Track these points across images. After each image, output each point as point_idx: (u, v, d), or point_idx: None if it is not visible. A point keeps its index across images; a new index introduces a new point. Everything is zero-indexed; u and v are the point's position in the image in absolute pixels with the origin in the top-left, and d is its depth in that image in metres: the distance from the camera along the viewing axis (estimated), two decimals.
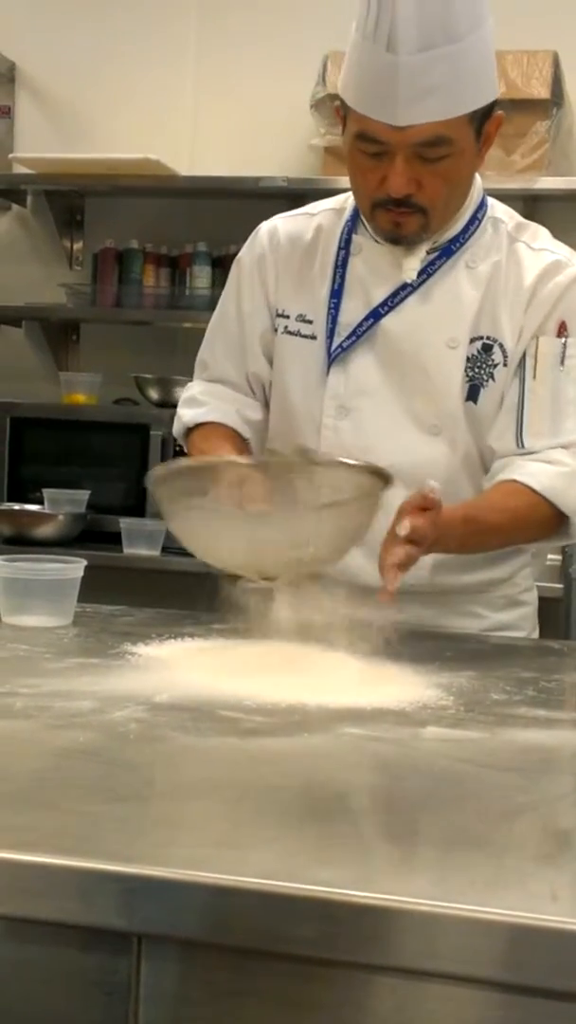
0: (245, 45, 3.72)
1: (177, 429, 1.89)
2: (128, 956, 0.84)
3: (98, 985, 0.85)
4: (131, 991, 0.84)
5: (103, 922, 0.83)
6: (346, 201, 1.80)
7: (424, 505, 1.51)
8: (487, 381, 1.72)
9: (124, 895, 0.82)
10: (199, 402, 1.85)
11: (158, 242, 3.77)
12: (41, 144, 3.79)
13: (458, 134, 1.60)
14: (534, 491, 1.65)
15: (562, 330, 1.72)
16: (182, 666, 1.42)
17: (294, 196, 3.07)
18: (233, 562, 1.49)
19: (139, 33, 3.79)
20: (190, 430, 1.85)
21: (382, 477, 1.50)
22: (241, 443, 1.81)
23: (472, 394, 1.73)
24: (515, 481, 1.67)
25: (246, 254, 1.85)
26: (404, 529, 1.48)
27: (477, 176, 1.75)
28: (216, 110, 3.76)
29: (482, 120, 1.63)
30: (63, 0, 3.84)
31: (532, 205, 3.35)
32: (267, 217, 1.89)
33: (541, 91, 3.32)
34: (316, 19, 3.52)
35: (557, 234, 1.81)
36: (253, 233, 1.86)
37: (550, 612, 2.70)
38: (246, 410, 1.84)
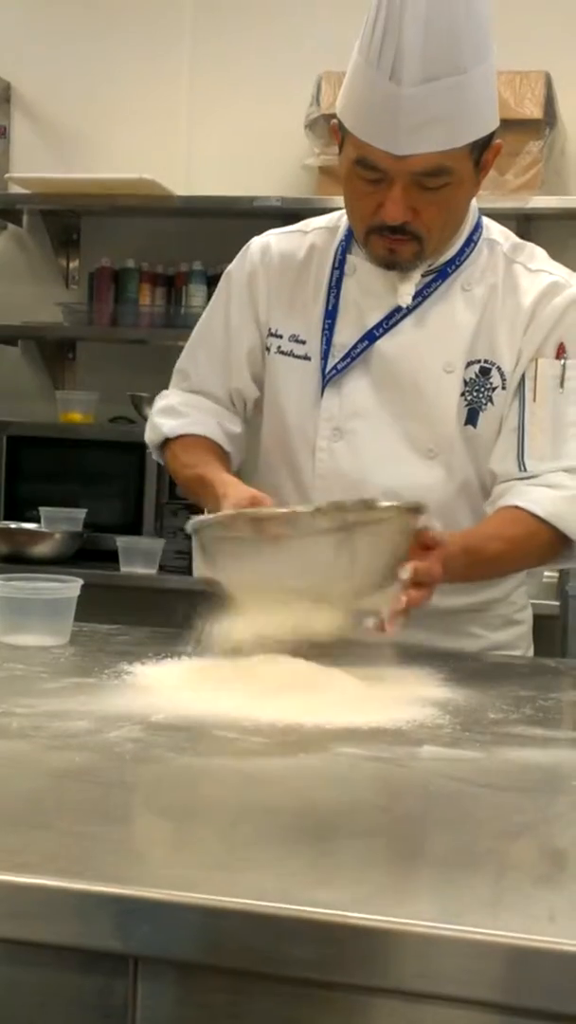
0: (240, 65, 3.74)
1: (152, 438, 1.86)
2: (124, 978, 0.83)
3: (94, 1008, 0.84)
4: (128, 1013, 0.84)
5: (99, 944, 0.83)
6: (339, 220, 1.79)
7: (427, 543, 1.50)
8: (486, 405, 1.72)
9: (120, 917, 0.82)
10: (179, 412, 1.83)
11: (154, 261, 3.77)
12: (37, 164, 3.80)
13: (458, 164, 1.59)
14: (537, 517, 1.64)
15: (561, 352, 1.70)
16: (179, 686, 1.41)
17: (288, 216, 3.08)
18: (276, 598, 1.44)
19: (134, 54, 3.81)
20: (168, 440, 1.83)
21: (416, 510, 1.47)
22: (223, 456, 1.80)
23: (471, 418, 1.72)
24: (517, 507, 1.65)
25: (236, 268, 1.84)
26: (407, 573, 1.46)
27: (473, 199, 1.74)
28: (211, 130, 3.78)
29: (482, 150, 1.62)
30: (59, 21, 3.86)
31: (526, 224, 3.36)
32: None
33: (534, 111, 3.33)
34: (311, 40, 3.54)
35: (551, 253, 1.81)
36: (244, 248, 1.84)
37: (547, 630, 2.69)
38: (227, 423, 1.83)
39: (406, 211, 1.60)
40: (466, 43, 1.53)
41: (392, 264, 1.68)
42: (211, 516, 1.51)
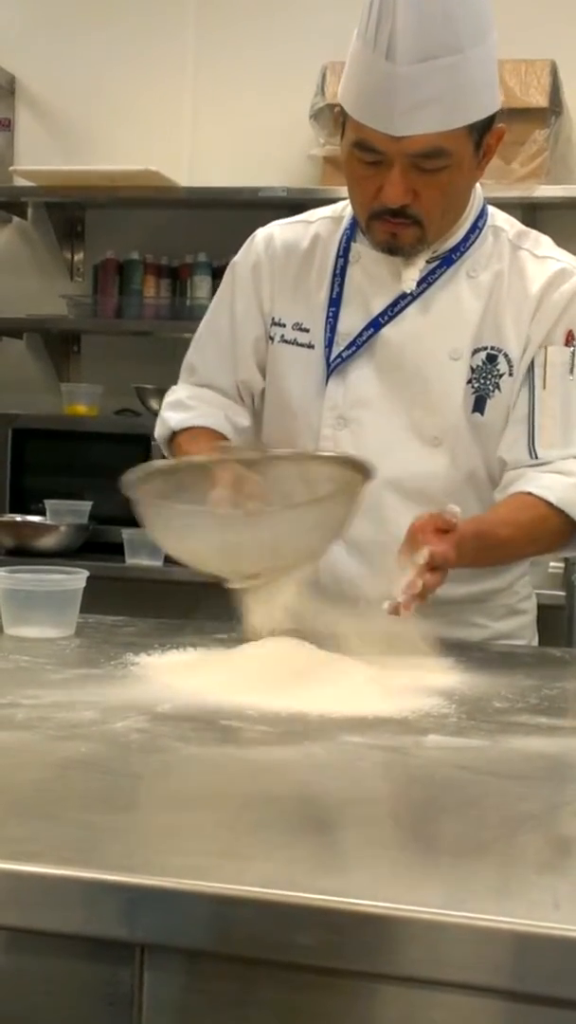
0: (243, 56, 3.73)
1: (161, 432, 1.86)
2: (131, 966, 0.84)
3: (101, 996, 0.85)
4: (134, 1001, 0.84)
5: (105, 932, 0.83)
6: (344, 209, 1.79)
7: (442, 527, 1.50)
8: (493, 392, 1.71)
9: (126, 905, 0.82)
10: (186, 406, 1.83)
11: (158, 253, 3.77)
12: (41, 156, 3.80)
13: (456, 146, 1.58)
14: (549, 504, 1.64)
15: (570, 339, 1.70)
16: (184, 676, 1.42)
17: (294, 206, 3.06)
18: (210, 563, 1.47)
19: (138, 45, 3.80)
20: (176, 433, 1.83)
21: (360, 469, 1.48)
22: None
23: (478, 405, 1.72)
24: (529, 494, 1.65)
25: (241, 260, 1.84)
26: (423, 558, 1.46)
27: (477, 185, 1.74)
28: (215, 121, 3.77)
29: (482, 132, 1.61)
30: (62, 14, 3.85)
31: (531, 213, 3.35)
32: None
33: (539, 100, 3.33)
34: (314, 30, 3.53)
35: (557, 242, 1.80)
36: (249, 239, 1.85)
37: (552, 620, 2.70)
38: (235, 416, 1.83)
39: (405, 193, 1.60)
40: (462, 23, 1.53)
41: (395, 249, 1.68)
42: (138, 471, 1.51)
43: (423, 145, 1.57)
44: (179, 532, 1.47)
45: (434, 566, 1.48)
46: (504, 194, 3.20)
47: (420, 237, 1.66)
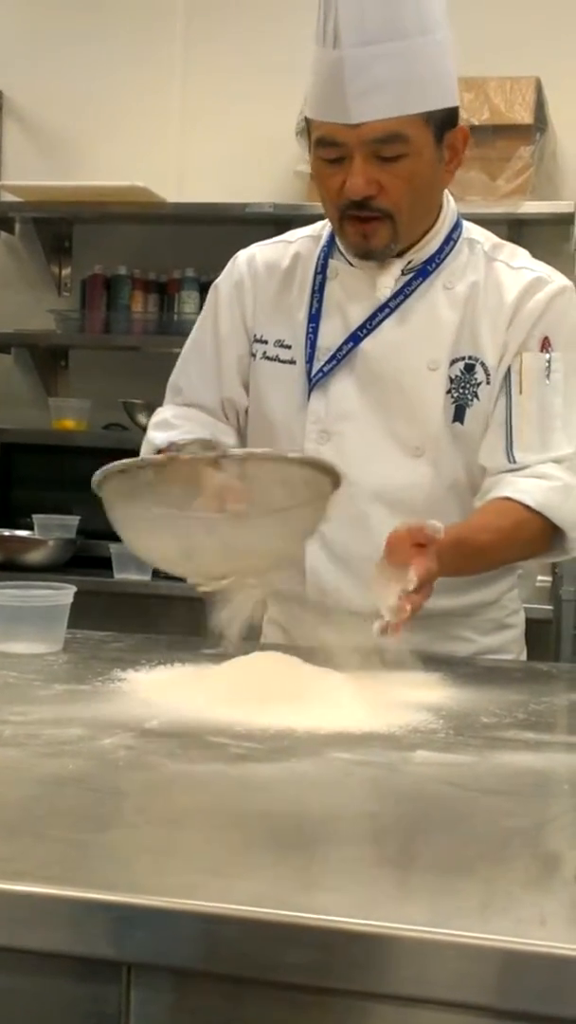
0: (231, 72, 3.75)
1: (147, 452, 1.86)
2: (118, 985, 0.83)
3: (89, 1015, 0.84)
4: (121, 1021, 0.84)
5: (92, 952, 0.83)
6: (323, 228, 1.82)
7: (420, 541, 1.51)
8: (472, 401, 1.73)
9: (114, 924, 0.82)
10: (172, 425, 1.83)
11: (146, 268, 3.78)
12: (29, 172, 3.80)
13: (414, 133, 1.62)
14: (528, 507, 1.65)
15: (545, 345, 1.72)
16: (172, 692, 1.41)
17: (281, 222, 3.09)
18: (176, 565, 1.48)
19: (126, 60, 3.81)
20: (161, 451, 1.83)
21: (327, 471, 1.48)
22: None
23: (458, 415, 1.73)
24: (508, 499, 1.66)
25: (224, 280, 1.86)
26: (412, 584, 1.47)
27: (451, 198, 1.77)
28: (203, 137, 3.79)
29: (442, 127, 1.65)
30: (50, 28, 3.86)
31: (517, 229, 3.37)
32: (254, 243, 1.90)
33: (524, 116, 3.34)
34: (302, 46, 3.53)
35: (542, 258, 1.81)
36: (231, 260, 1.87)
37: (540, 634, 2.70)
38: (220, 435, 1.82)
39: (368, 184, 1.63)
40: (405, 10, 1.59)
41: (369, 252, 1.70)
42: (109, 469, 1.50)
43: (379, 131, 1.60)
44: (145, 533, 1.47)
45: (420, 585, 1.48)
46: (489, 210, 3.22)
47: (392, 235, 1.68)
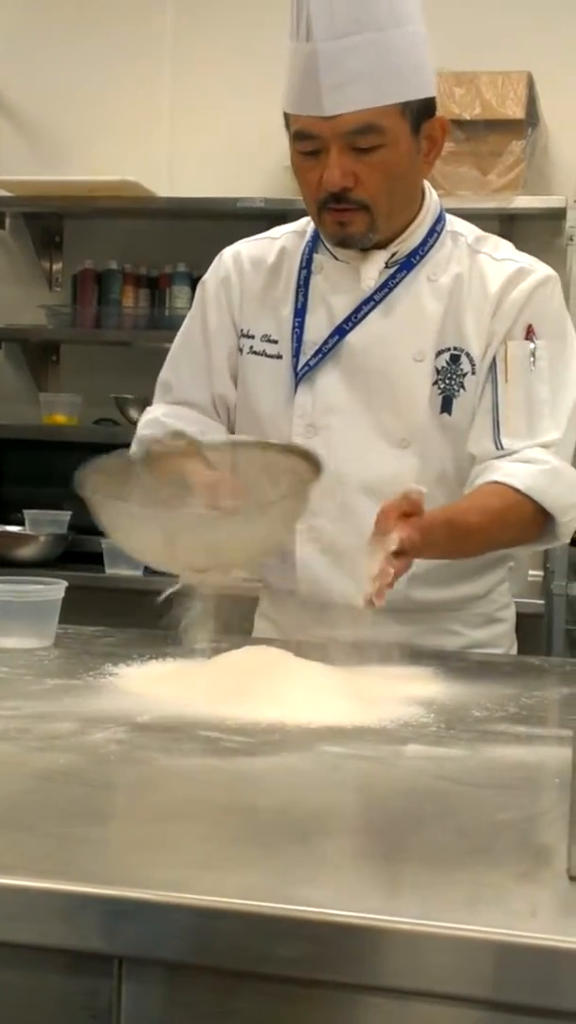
0: (222, 66, 3.74)
1: (137, 451, 1.87)
2: (110, 979, 0.83)
3: (81, 1009, 0.84)
4: (113, 1014, 0.84)
5: (85, 945, 0.83)
6: (307, 224, 1.82)
7: (407, 510, 1.51)
8: (458, 391, 1.73)
9: (105, 918, 0.82)
10: (163, 424, 1.82)
11: (137, 263, 3.77)
12: (20, 167, 3.79)
13: (389, 124, 1.62)
14: (516, 490, 1.65)
15: (530, 333, 1.73)
16: (163, 687, 1.41)
17: (272, 216, 3.08)
18: (158, 558, 1.48)
19: (116, 56, 3.80)
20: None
21: (309, 460, 1.49)
22: None
23: (446, 406, 1.74)
24: (496, 482, 1.66)
25: (210, 277, 1.87)
26: (394, 544, 1.47)
27: (433, 191, 1.78)
28: (193, 132, 3.78)
29: (419, 117, 1.65)
30: (41, 24, 3.85)
31: (509, 224, 3.37)
32: (245, 237, 1.90)
33: (516, 111, 3.34)
34: None
35: (533, 252, 1.82)
36: (217, 257, 1.88)
37: (531, 628, 2.70)
38: (211, 432, 1.83)
39: (344, 176, 1.64)
40: (378, 3, 1.60)
41: (346, 240, 1.70)
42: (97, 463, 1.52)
43: (354, 122, 1.61)
44: (127, 528, 1.48)
45: (401, 551, 1.48)
46: (481, 205, 3.22)
47: (370, 224, 1.68)
